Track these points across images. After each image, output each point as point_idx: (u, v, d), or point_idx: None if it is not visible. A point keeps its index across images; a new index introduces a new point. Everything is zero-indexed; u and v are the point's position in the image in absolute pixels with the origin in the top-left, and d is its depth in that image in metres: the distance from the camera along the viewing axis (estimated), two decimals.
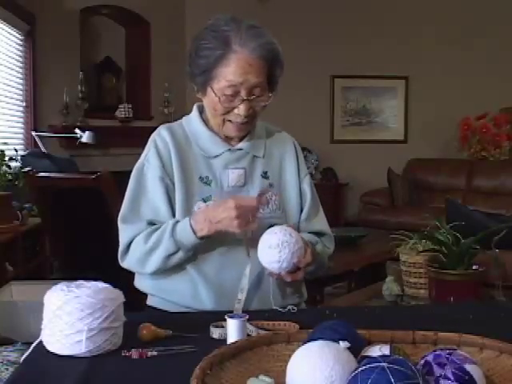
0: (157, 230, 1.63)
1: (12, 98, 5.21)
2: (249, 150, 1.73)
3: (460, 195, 6.21)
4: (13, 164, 4.14)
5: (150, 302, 1.73)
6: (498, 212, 4.62)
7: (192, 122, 1.76)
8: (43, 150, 5.15)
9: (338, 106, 7.15)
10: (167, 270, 1.64)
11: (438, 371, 0.94)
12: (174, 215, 1.65)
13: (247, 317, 1.26)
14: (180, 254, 1.60)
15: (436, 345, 1.08)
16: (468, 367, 0.94)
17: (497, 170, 6.38)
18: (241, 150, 1.73)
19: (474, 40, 6.76)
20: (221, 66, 1.60)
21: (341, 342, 0.99)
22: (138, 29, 6.45)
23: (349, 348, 0.99)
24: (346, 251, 3.74)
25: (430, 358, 0.97)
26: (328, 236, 1.81)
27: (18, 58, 5.36)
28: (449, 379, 0.92)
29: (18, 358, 2.52)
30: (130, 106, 6.18)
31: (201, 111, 1.77)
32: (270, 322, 1.38)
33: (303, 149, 6.95)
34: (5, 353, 2.67)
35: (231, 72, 1.60)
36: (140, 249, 1.63)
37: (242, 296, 1.55)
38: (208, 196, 1.66)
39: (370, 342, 1.07)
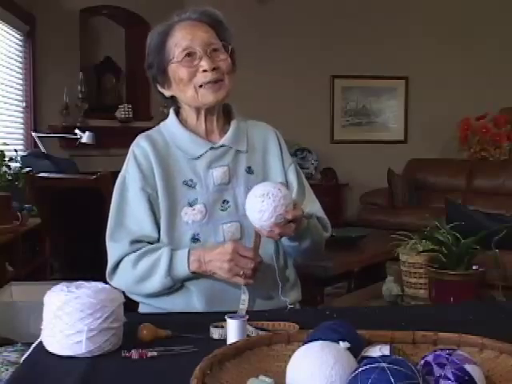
0: (145, 254, 1.60)
1: (12, 99, 5.21)
2: (231, 145, 1.72)
3: (460, 195, 6.21)
4: (13, 164, 4.14)
5: (141, 309, 1.71)
6: (497, 212, 4.62)
7: (170, 125, 1.75)
8: (43, 150, 5.15)
9: (338, 107, 7.15)
10: None
11: (438, 371, 0.94)
12: (157, 227, 1.63)
13: (247, 317, 1.26)
14: (176, 286, 1.61)
15: (436, 345, 1.08)
16: (468, 367, 0.94)
17: (497, 171, 6.38)
18: (223, 146, 1.71)
19: (473, 40, 6.77)
20: (168, 40, 1.67)
21: (341, 343, 0.99)
22: (138, 29, 6.44)
23: (349, 348, 0.99)
24: (346, 251, 3.74)
25: (430, 358, 0.97)
26: (322, 219, 1.78)
27: (17, 58, 5.36)
28: (449, 379, 0.92)
29: (18, 358, 2.52)
30: (130, 107, 6.18)
31: (177, 113, 1.77)
32: (270, 323, 1.38)
33: (303, 149, 6.95)
34: (5, 353, 2.67)
35: (179, 37, 1.66)
36: (129, 275, 1.61)
37: (245, 296, 1.54)
38: (194, 199, 1.64)
39: (370, 342, 1.07)
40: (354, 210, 6.82)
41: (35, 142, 5.30)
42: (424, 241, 2.37)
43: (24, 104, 5.46)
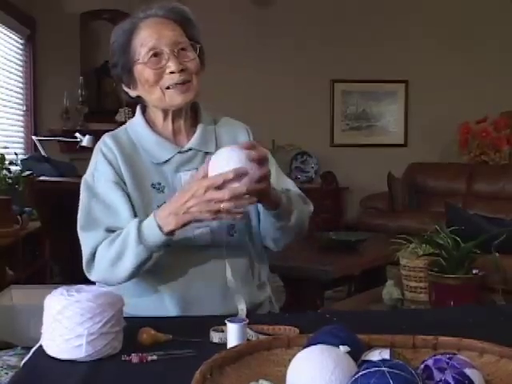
0: (118, 235, 1.53)
1: (12, 102, 5.21)
2: (199, 148, 1.66)
3: (460, 199, 6.21)
4: (13, 168, 4.15)
5: None
6: (498, 216, 4.62)
7: (136, 125, 1.70)
8: (43, 153, 5.15)
9: (338, 110, 7.15)
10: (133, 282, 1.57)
11: (438, 376, 0.94)
12: (135, 216, 1.56)
13: (247, 321, 1.26)
14: (153, 257, 1.50)
15: (436, 349, 1.08)
16: (468, 372, 0.94)
17: (497, 175, 6.38)
18: (191, 149, 1.66)
19: (474, 43, 6.77)
20: (134, 38, 1.61)
21: (341, 347, 0.99)
22: None
23: (349, 352, 0.98)
24: (346, 255, 3.74)
25: (430, 362, 0.97)
26: (300, 195, 1.72)
27: (18, 62, 5.37)
28: None
29: (18, 362, 2.52)
30: (130, 110, 6.18)
31: (143, 111, 1.72)
32: (270, 327, 1.38)
33: (303, 153, 6.95)
34: (5, 357, 2.67)
35: (145, 36, 1.59)
36: (105, 259, 1.52)
37: (242, 306, 1.52)
38: (163, 203, 1.56)
39: (370, 347, 1.07)
40: (354, 214, 6.82)
41: (35, 146, 5.30)
42: (424, 245, 2.37)
43: (24, 107, 5.47)
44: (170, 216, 1.45)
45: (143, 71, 1.61)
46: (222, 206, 1.39)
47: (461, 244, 2.10)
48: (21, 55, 5.45)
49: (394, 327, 1.30)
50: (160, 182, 1.61)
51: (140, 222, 1.50)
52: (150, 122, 1.70)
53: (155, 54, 1.59)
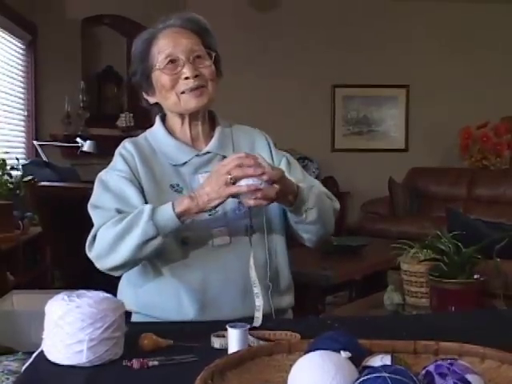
0: (129, 215, 1.54)
1: (13, 107, 5.22)
2: (217, 151, 1.71)
3: (461, 204, 6.21)
4: (14, 173, 4.15)
5: (133, 319, 1.66)
6: (499, 221, 4.62)
7: (156, 132, 1.74)
8: (44, 158, 5.16)
9: (339, 115, 7.16)
10: (148, 279, 1.60)
11: (439, 381, 0.94)
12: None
13: (248, 326, 1.26)
14: (158, 240, 1.51)
15: (437, 355, 1.08)
16: (469, 377, 0.93)
17: (498, 179, 6.38)
18: (209, 153, 1.71)
19: (475, 48, 6.78)
20: (152, 47, 1.68)
21: (342, 352, 0.99)
22: None
23: (350, 358, 0.98)
24: (347, 260, 3.75)
25: (431, 368, 0.96)
26: (326, 192, 1.74)
27: (19, 67, 5.38)
28: None
29: (19, 367, 2.52)
30: (131, 115, 6.19)
31: (163, 120, 1.76)
32: (271, 332, 1.38)
33: (304, 158, 6.95)
34: (5, 362, 2.66)
35: (163, 44, 1.67)
36: (110, 233, 1.53)
37: (259, 302, 1.50)
38: None
39: (372, 352, 1.07)
40: (355, 219, 6.81)
41: (36, 151, 5.31)
42: (425, 250, 2.37)
43: (25, 112, 5.48)
44: (186, 197, 1.52)
45: (160, 77, 1.67)
46: (230, 176, 1.45)
47: (462, 249, 2.10)
48: (22, 60, 5.45)
49: (395, 332, 1.30)
50: (178, 183, 1.66)
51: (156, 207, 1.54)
52: (169, 130, 1.74)
53: (171, 61, 1.65)
